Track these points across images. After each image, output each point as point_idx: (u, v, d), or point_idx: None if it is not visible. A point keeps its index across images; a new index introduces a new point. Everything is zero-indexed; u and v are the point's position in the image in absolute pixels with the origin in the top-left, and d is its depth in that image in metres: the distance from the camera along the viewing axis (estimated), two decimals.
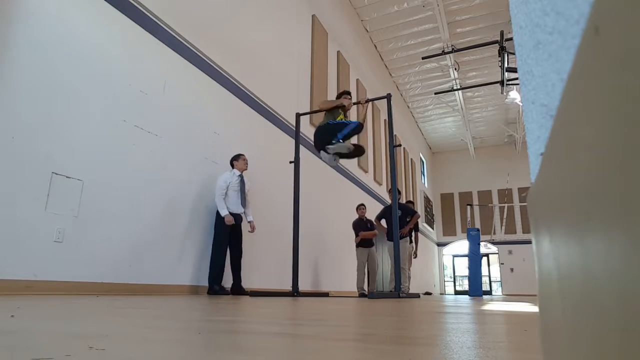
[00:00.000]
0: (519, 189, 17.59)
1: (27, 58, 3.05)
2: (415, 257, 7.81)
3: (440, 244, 19.59)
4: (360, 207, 7.45)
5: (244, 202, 4.84)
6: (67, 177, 3.24)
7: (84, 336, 0.81)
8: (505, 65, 9.45)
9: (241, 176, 4.89)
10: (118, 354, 0.63)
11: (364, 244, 7.13)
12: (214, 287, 4.47)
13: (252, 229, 4.98)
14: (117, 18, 3.83)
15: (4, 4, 2.95)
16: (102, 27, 3.68)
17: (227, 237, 4.66)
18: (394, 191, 5.21)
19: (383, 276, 9.12)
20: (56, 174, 3.17)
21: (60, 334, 0.85)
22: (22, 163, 2.95)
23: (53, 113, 3.19)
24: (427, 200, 18.07)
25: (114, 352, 0.64)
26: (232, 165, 4.95)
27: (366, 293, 6.86)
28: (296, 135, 5.68)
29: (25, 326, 0.97)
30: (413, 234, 7.83)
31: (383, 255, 7.37)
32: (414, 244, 7.84)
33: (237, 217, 4.76)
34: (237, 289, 4.67)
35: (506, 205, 13.73)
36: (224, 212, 4.58)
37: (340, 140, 4.83)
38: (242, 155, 5.00)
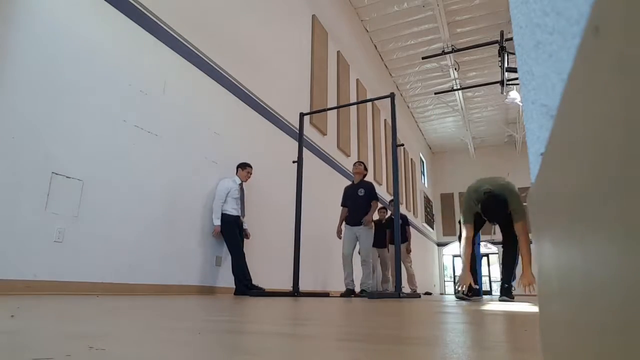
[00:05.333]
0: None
1: (27, 58, 3.05)
2: (389, 252, 7.85)
3: (440, 244, 19.58)
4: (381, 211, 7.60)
5: (243, 211, 4.89)
6: (67, 177, 3.24)
7: (84, 336, 0.81)
8: (505, 65, 9.45)
9: (241, 185, 4.95)
10: (118, 354, 0.63)
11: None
12: (248, 288, 4.62)
13: (247, 237, 5.04)
14: (117, 18, 3.83)
15: (3, 4, 2.95)
16: (102, 27, 3.68)
17: (237, 236, 4.75)
18: (395, 191, 5.20)
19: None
20: (56, 174, 3.17)
21: (60, 334, 0.85)
22: (22, 163, 2.95)
23: (53, 113, 3.19)
24: (427, 200, 18.06)
25: (114, 352, 0.64)
26: (237, 170, 5.02)
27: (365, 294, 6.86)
28: (300, 135, 5.69)
29: (25, 326, 0.97)
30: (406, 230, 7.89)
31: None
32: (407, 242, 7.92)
33: (238, 219, 4.82)
34: (242, 290, 4.71)
35: None
36: (216, 222, 4.66)
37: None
38: (250, 167, 5.06)
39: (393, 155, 5.22)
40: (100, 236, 3.46)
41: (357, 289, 5.94)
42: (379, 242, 7.46)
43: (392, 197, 6.32)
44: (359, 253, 5.70)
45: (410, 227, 8.31)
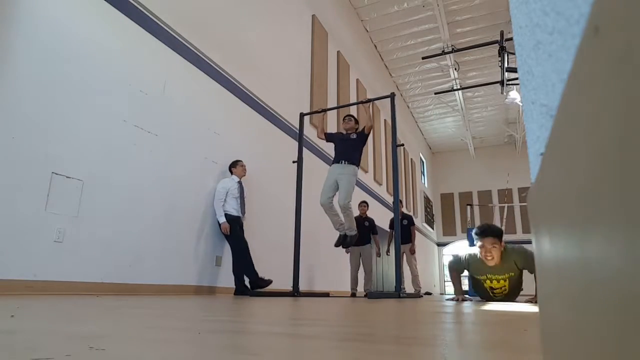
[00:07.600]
0: (519, 189, 17.56)
1: (27, 58, 3.05)
2: (379, 256, 7.67)
3: (440, 244, 19.57)
4: (362, 205, 7.31)
5: (243, 208, 4.87)
6: (67, 177, 3.24)
7: (84, 336, 0.81)
8: (505, 65, 9.44)
9: (240, 182, 4.92)
10: (118, 354, 0.63)
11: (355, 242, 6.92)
12: (257, 283, 4.63)
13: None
14: (117, 18, 3.83)
15: (4, 4, 2.95)
16: (102, 27, 3.68)
17: (239, 235, 4.73)
18: (395, 191, 5.20)
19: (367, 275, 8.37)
20: (56, 174, 3.17)
21: (60, 334, 0.85)
22: (22, 163, 2.95)
23: (53, 113, 3.19)
24: (427, 200, 18.06)
25: (114, 352, 0.64)
26: (231, 172, 5.00)
27: (356, 294, 6.77)
28: (299, 135, 5.69)
29: (25, 326, 0.97)
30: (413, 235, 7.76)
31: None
32: (412, 244, 7.77)
33: (239, 220, 4.80)
34: (242, 290, 4.70)
35: (506, 205, 13.72)
36: (221, 219, 4.64)
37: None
38: (240, 161, 5.04)
39: (393, 155, 5.21)
40: (100, 236, 3.46)
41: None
42: (361, 239, 6.90)
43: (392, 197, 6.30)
44: (338, 202, 5.02)
45: (415, 227, 8.12)
